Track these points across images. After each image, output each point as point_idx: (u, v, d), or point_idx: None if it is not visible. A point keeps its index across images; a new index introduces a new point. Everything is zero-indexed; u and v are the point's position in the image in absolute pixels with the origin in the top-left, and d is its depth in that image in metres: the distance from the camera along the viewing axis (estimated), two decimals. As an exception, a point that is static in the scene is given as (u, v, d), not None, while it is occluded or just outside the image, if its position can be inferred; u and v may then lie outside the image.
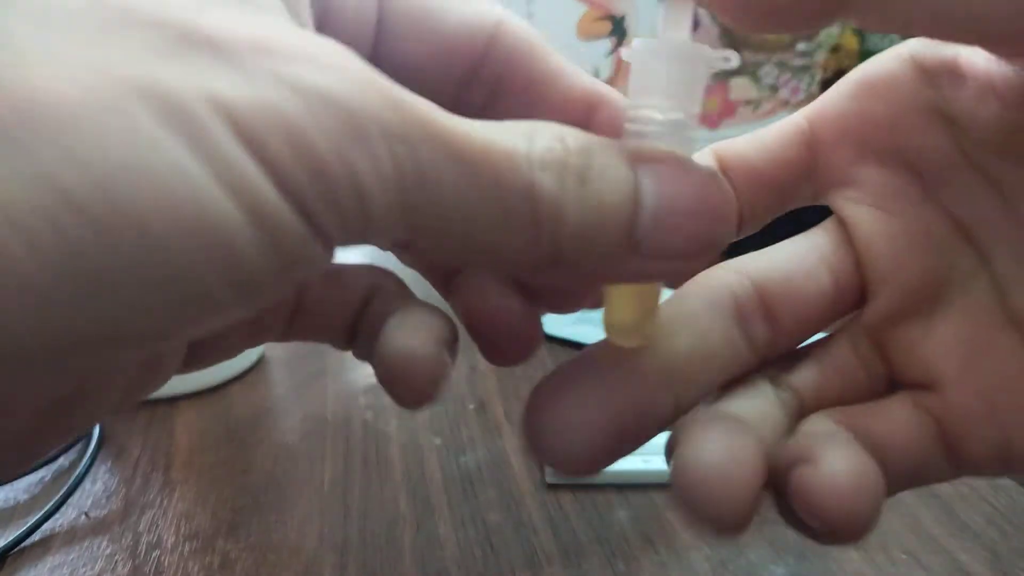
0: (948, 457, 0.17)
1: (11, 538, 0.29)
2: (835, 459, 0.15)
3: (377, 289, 0.20)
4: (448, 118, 0.13)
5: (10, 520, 0.30)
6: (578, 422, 0.16)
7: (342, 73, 0.12)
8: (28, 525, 0.29)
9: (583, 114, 0.18)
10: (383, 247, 0.15)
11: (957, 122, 0.17)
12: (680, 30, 0.16)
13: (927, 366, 0.17)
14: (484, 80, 0.18)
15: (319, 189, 0.12)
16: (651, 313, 0.17)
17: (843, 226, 0.18)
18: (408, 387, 0.17)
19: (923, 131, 0.17)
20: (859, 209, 0.18)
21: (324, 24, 0.16)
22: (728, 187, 0.15)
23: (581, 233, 0.13)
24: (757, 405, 0.17)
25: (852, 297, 0.18)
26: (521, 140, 0.13)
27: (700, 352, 0.17)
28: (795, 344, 0.18)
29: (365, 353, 0.19)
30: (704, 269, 0.18)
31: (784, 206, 0.19)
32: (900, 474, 0.17)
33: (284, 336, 0.19)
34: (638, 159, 0.14)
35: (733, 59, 0.15)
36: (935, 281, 0.17)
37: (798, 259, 0.19)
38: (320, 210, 0.12)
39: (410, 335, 0.17)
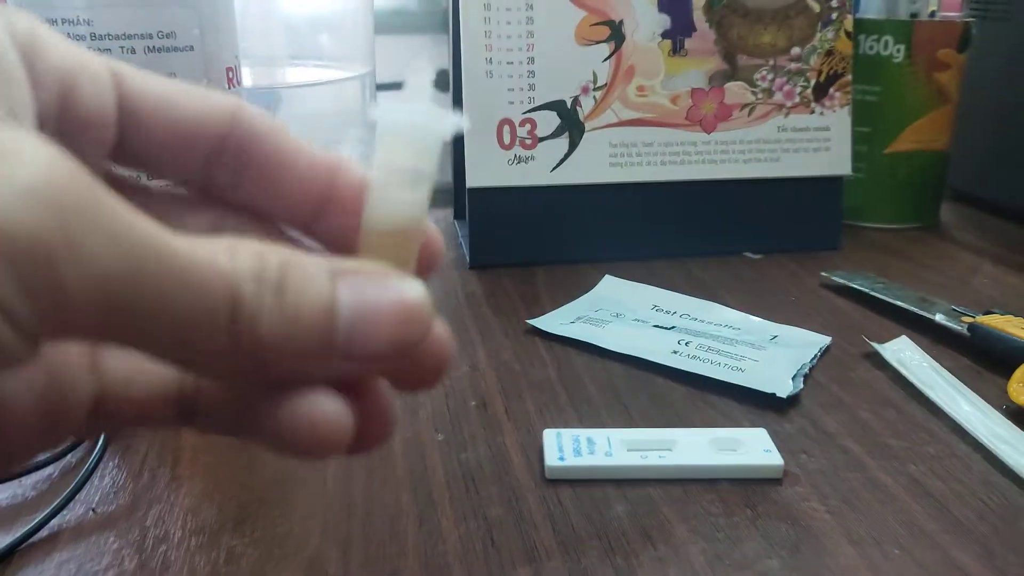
0: None
1: (19, 534, 0.29)
2: None
3: None
4: (153, 226, 0.14)
5: (17, 516, 0.31)
6: None
7: (53, 170, 0.13)
8: (36, 521, 0.30)
9: (325, 181, 0.20)
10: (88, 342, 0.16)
11: None
12: (422, 95, 0.18)
13: None
14: (228, 159, 0.20)
15: (17, 283, 0.12)
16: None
17: None
18: (325, 451, 0.18)
19: None
20: None
21: (64, 115, 0.18)
22: (423, 293, 0.17)
23: (278, 339, 0.15)
24: None
25: None
26: (224, 255, 0.15)
27: None
28: None
29: (217, 428, 0.19)
30: (424, 377, 0.20)
31: None
32: None
33: (91, 431, 0.19)
34: (339, 273, 0.16)
35: (463, 123, 0.18)
36: None
37: None
38: (16, 304, 0.12)
39: (317, 415, 0.17)
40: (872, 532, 0.30)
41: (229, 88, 0.36)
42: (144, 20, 0.34)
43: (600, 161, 0.55)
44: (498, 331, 0.46)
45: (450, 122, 0.18)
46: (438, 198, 0.75)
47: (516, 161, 0.53)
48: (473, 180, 0.53)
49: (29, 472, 0.33)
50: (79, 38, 0.33)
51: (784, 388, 0.38)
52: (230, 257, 0.15)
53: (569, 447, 0.33)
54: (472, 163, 0.53)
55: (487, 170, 0.53)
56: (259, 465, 0.34)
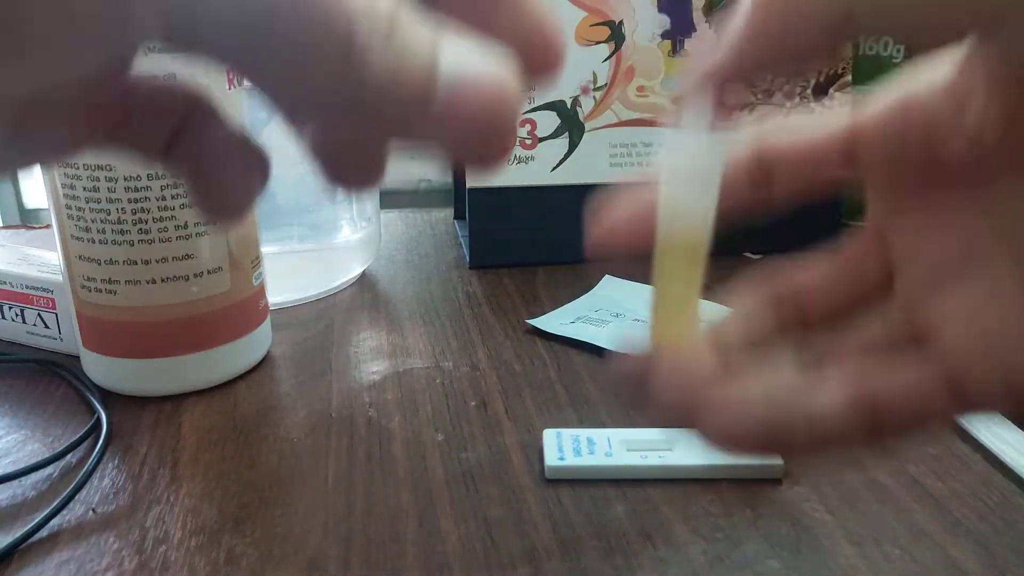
0: (952, 396, 0.19)
1: (19, 534, 0.29)
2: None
3: (196, 105, 0.20)
4: None
5: (17, 517, 0.31)
6: None
7: None
8: (36, 521, 0.30)
9: None
10: (207, 53, 0.16)
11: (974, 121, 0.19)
12: (701, 125, 0.20)
13: (937, 319, 0.20)
14: None
15: None
16: (694, 322, 0.21)
17: (872, 221, 0.22)
18: (219, 215, 0.19)
19: (950, 129, 0.20)
20: (888, 196, 0.22)
21: None
22: (514, 79, 0.17)
23: (383, 80, 0.15)
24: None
25: (875, 289, 0.22)
26: None
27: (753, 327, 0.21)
28: (827, 330, 0.22)
29: (176, 167, 0.20)
30: (494, 155, 0.18)
31: (823, 182, 0.22)
32: (905, 416, 0.19)
33: (106, 140, 0.20)
34: (442, 37, 0.16)
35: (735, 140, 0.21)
36: (959, 254, 0.20)
37: (824, 270, 0.23)
38: None
39: (224, 170, 0.19)
40: (872, 532, 0.30)
41: (229, 88, 0.36)
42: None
43: (600, 161, 0.55)
44: (498, 331, 0.46)
45: (724, 146, 0.20)
46: (438, 198, 0.75)
47: (516, 161, 0.53)
48: (473, 180, 0.53)
49: (29, 472, 0.33)
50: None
51: (784, 388, 0.38)
52: None
53: (569, 447, 0.33)
54: (472, 163, 0.53)
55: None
56: (259, 464, 0.34)
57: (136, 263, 0.36)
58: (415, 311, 0.48)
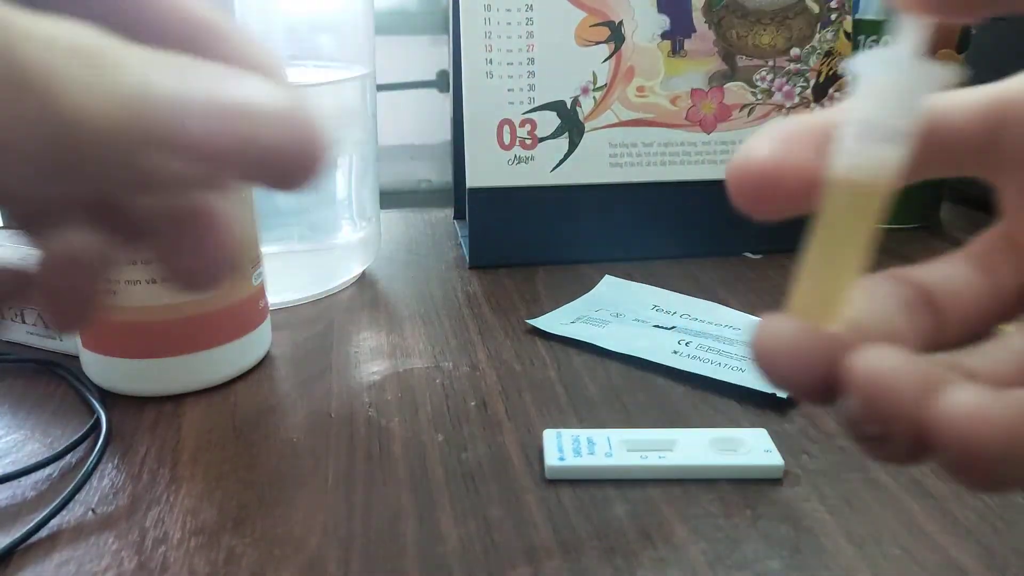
0: None
1: (18, 535, 0.29)
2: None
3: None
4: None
5: (17, 517, 0.31)
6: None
7: None
8: (35, 521, 0.30)
9: (190, 35, 0.17)
10: None
11: None
12: (907, 43, 0.16)
13: None
14: None
15: None
16: (841, 296, 0.17)
17: (1004, 220, 0.19)
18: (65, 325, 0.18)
19: None
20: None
21: None
22: (277, 95, 0.15)
23: (99, 120, 0.13)
24: None
25: (1014, 301, 0.19)
26: (26, 18, 0.13)
27: (880, 329, 0.18)
28: (963, 342, 0.19)
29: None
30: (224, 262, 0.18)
31: (948, 172, 0.20)
32: None
33: None
34: (168, 63, 0.14)
35: (951, 74, 0.16)
36: None
37: (954, 272, 0.20)
38: None
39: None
40: (872, 532, 0.30)
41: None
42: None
43: (600, 161, 0.55)
44: (498, 331, 0.46)
45: (937, 78, 0.16)
46: (438, 198, 0.75)
47: (516, 161, 0.53)
48: (473, 180, 0.53)
49: (28, 472, 0.33)
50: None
51: (784, 388, 0.38)
52: (34, 20, 0.13)
53: (569, 447, 0.33)
54: (472, 163, 0.53)
55: (487, 170, 0.53)
56: (259, 465, 0.34)
57: (136, 263, 0.36)
58: (415, 311, 0.48)
